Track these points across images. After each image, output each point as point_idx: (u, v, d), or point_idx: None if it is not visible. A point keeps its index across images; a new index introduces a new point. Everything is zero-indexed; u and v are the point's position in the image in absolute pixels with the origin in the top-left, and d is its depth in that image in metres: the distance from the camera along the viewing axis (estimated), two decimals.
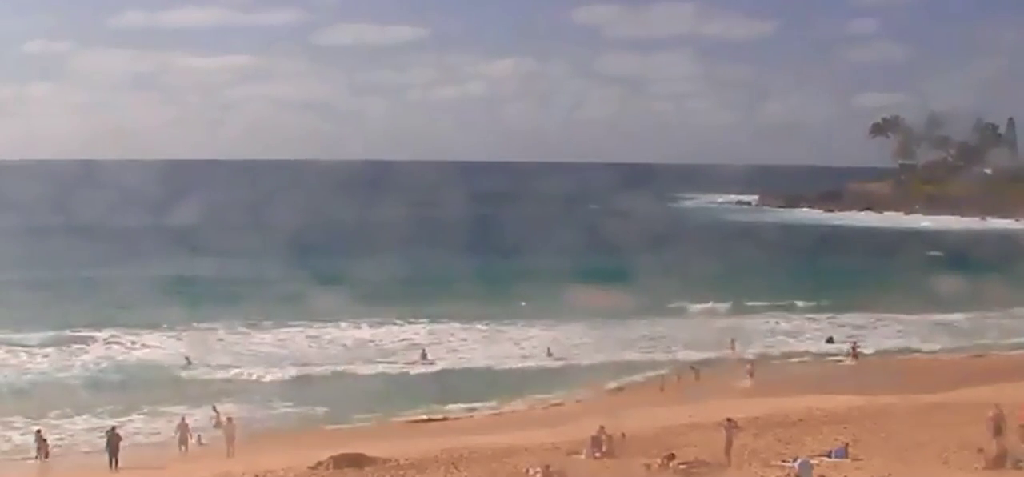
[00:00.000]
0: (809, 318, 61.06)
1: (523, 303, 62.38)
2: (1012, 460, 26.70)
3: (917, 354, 52.59)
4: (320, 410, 41.16)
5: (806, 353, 51.86)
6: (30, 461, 33.06)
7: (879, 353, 52.43)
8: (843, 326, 59.01)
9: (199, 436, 35.55)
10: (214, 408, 37.56)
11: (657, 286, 60.37)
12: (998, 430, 30.40)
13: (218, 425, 35.82)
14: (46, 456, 32.81)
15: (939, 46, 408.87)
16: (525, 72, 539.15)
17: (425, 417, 40.09)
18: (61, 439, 36.01)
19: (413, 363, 49.12)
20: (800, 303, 63.66)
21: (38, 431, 33.97)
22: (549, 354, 50.81)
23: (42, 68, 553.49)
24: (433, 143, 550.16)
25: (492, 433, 34.20)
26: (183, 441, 34.33)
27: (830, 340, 53.15)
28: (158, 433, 36.64)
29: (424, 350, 50.50)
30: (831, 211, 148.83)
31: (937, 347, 53.99)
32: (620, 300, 60.10)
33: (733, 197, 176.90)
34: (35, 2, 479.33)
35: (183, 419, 35.43)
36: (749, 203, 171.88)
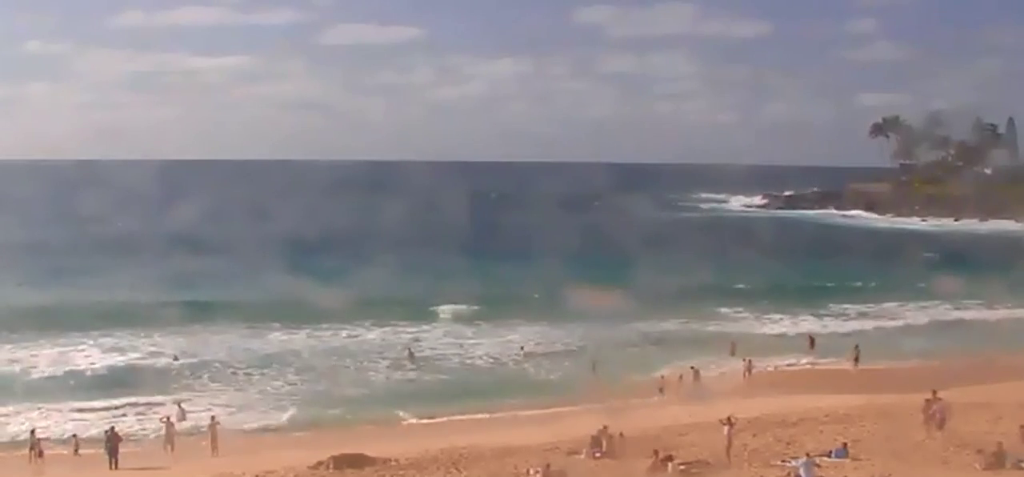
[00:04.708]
0: (809, 318, 61.00)
1: (534, 297, 62.54)
2: (1012, 460, 26.70)
3: (916, 354, 52.48)
4: (320, 410, 41.10)
5: (805, 353, 51.71)
6: (26, 462, 32.95)
7: (878, 353, 52.37)
8: (841, 325, 59.39)
9: (178, 418, 36.41)
10: (179, 404, 38.41)
11: (657, 286, 60.22)
12: (941, 423, 30.68)
13: (180, 418, 36.74)
14: (40, 456, 32.79)
15: (939, 46, 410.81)
16: (525, 72, 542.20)
17: (425, 417, 40.03)
18: (59, 438, 36.00)
19: (413, 362, 49.15)
20: (800, 304, 63.58)
21: (33, 431, 34.03)
22: (523, 354, 50.74)
23: (42, 68, 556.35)
24: (433, 143, 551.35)
25: (492, 433, 34.16)
26: (169, 440, 34.41)
27: (811, 343, 53.01)
28: (158, 432, 36.55)
29: (411, 352, 50.45)
30: (839, 212, 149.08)
31: (937, 347, 53.86)
32: (620, 300, 59.96)
33: (735, 198, 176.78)
34: (35, 2, 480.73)
35: (169, 418, 35.72)
36: (750, 203, 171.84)
